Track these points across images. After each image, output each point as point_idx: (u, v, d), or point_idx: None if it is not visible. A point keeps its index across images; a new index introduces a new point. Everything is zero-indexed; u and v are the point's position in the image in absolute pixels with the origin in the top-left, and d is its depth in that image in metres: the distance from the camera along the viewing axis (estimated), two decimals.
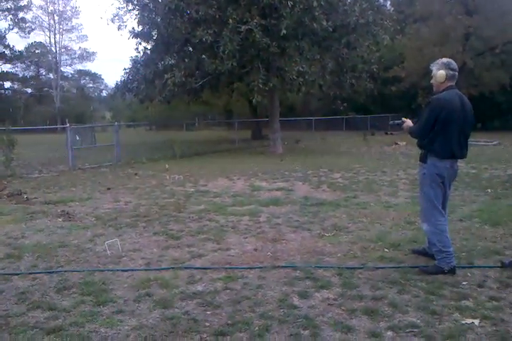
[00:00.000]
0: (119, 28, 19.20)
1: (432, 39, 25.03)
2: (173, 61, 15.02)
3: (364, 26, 15.84)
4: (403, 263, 4.35)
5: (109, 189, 9.02)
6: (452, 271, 4.03)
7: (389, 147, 18.42)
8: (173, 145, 15.84)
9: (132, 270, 4.29)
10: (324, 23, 14.24)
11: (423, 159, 4.21)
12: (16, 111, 42.16)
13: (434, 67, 4.18)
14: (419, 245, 4.78)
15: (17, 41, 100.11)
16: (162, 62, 15.21)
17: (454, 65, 4.14)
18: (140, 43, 18.56)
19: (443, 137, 4.03)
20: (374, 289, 3.74)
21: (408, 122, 4.40)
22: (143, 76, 16.46)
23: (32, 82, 52.03)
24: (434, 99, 4.10)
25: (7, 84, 51.01)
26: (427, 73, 4.32)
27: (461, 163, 4.32)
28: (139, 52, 18.46)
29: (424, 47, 24.47)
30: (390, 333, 3.02)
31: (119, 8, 18.75)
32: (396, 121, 4.59)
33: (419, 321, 3.18)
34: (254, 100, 15.62)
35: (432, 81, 4.24)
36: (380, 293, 3.65)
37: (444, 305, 3.41)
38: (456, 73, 4.14)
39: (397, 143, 18.87)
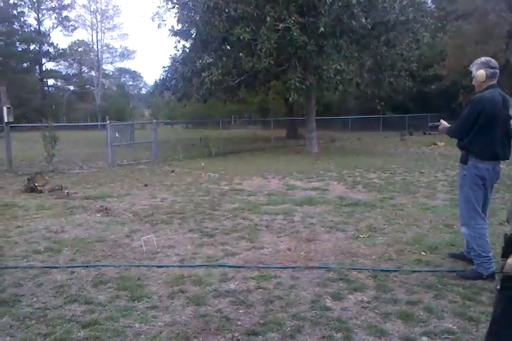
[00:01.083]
0: (158, 27, 19.61)
1: (474, 37, 24.27)
2: (210, 59, 15.14)
3: (404, 23, 15.56)
4: (440, 267, 4.25)
5: (146, 185, 9.19)
6: (491, 277, 3.91)
7: (427, 147, 18.02)
8: (209, 143, 15.98)
9: (167, 266, 4.35)
10: (363, 20, 14.07)
11: (464, 160, 4.10)
12: (59, 108, 43.26)
13: (473, 68, 4.09)
14: (458, 249, 4.66)
15: (61, 39, 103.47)
16: (200, 61, 15.35)
17: (494, 62, 4.03)
18: (179, 41, 18.86)
19: (485, 137, 3.92)
20: (409, 293, 3.67)
21: (444, 123, 4.29)
22: (181, 74, 16.64)
23: (74, 80, 53.42)
24: (475, 98, 4.01)
25: (50, 82, 52.65)
26: (469, 71, 4.21)
27: (501, 165, 4.18)
28: (178, 51, 18.71)
29: (466, 44, 23.75)
30: (425, 339, 2.96)
31: (159, 7, 19.07)
32: (435, 123, 4.48)
33: (455, 327, 3.10)
34: (290, 99, 15.50)
35: (473, 82, 4.15)
36: (415, 297, 3.58)
37: (481, 312, 3.31)
38: (497, 71, 4.03)
39: (435, 144, 18.44)
